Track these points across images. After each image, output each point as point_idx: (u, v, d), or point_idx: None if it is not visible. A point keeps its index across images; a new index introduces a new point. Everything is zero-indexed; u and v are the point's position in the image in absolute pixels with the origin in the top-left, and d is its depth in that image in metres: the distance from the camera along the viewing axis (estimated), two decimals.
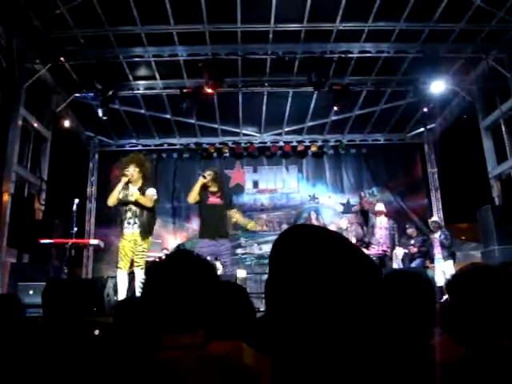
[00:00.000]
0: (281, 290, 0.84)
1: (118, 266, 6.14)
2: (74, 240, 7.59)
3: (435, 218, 11.40)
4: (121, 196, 6.12)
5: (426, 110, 10.26)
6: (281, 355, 0.84)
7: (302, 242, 0.87)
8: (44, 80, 9.27)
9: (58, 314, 2.57)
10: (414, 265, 9.76)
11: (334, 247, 0.85)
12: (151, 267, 1.43)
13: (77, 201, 7.73)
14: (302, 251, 0.85)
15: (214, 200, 6.72)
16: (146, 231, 6.18)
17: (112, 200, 6.12)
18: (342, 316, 0.80)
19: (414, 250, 10.05)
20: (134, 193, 6.12)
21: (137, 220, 6.11)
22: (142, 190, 6.20)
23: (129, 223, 6.10)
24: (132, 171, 6.19)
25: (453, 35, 8.54)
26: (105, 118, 9.75)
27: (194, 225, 12.23)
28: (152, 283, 1.37)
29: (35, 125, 9.42)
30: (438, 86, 9.46)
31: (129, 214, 6.13)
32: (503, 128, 9.56)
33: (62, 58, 8.79)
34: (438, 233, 9.86)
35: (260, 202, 12.65)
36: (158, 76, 9.72)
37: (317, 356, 0.81)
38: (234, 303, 1.94)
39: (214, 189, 6.75)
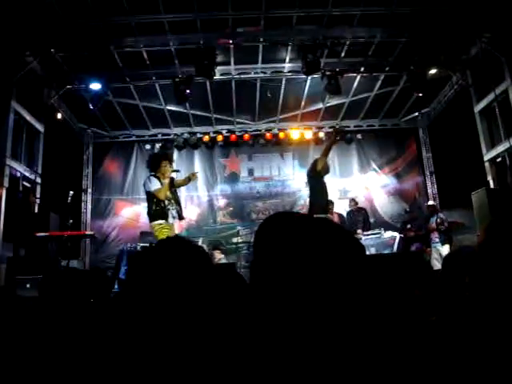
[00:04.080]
0: (264, 272, 0.85)
1: None
2: (69, 232, 7.60)
3: (431, 202, 11.46)
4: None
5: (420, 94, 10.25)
6: (266, 334, 0.85)
7: (282, 226, 0.88)
8: (35, 72, 9.20)
9: (55, 306, 2.56)
10: (412, 249, 9.81)
11: (312, 230, 0.86)
12: (136, 255, 1.41)
13: (71, 193, 7.74)
14: (282, 235, 0.86)
15: None
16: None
17: (164, 195, 6.65)
18: (321, 292, 0.81)
19: (411, 234, 10.11)
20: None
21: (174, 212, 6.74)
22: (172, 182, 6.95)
23: (172, 215, 6.71)
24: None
25: (446, 18, 8.49)
26: (95, 108, 9.78)
27: (190, 214, 12.26)
28: (137, 272, 1.35)
29: (28, 118, 9.37)
30: (431, 70, 9.45)
31: (171, 207, 6.70)
32: (497, 111, 9.56)
33: (52, 50, 8.72)
34: (434, 217, 9.91)
35: (256, 189, 12.66)
36: (150, 66, 9.64)
37: (299, 332, 0.81)
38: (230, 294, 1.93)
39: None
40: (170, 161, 6.91)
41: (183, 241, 1.43)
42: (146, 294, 1.27)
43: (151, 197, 6.62)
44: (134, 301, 1.26)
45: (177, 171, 7.23)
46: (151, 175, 6.69)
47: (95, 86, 9.20)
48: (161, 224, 6.54)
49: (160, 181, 6.57)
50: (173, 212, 6.68)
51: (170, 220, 6.64)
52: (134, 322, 1.22)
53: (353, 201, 10.78)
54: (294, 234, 0.86)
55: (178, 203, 6.87)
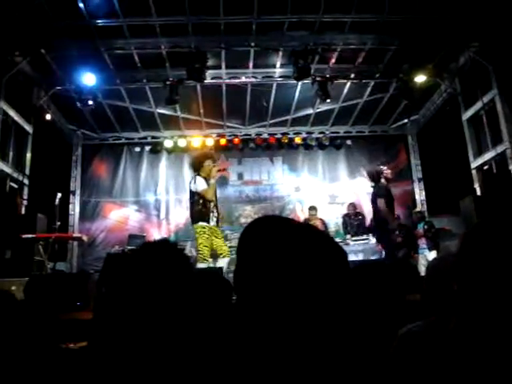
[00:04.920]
0: (248, 278, 0.86)
1: (206, 258, 6.62)
2: (56, 234, 7.54)
3: (418, 208, 11.55)
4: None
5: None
6: (251, 341, 0.85)
7: (265, 232, 0.88)
8: (24, 73, 9.15)
9: (41, 309, 2.55)
10: (399, 255, 9.86)
11: (294, 235, 0.87)
12: (111, 259, 1.41)
13: (59, 195, 7.68)
14: (265, 240, 0.86)
15: None
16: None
17: (212, 195, 6.65)
18: (304, 298, 0.81)
19: (399, 239, 10.16)
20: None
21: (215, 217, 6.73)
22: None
23: (213, 217, 6.68)
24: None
25: (435, 27, 8.57)
26: (84, 108, 9.78)
27: (179, 218, 12.24)
28: (116, 275, 1.33)
29: (16, 118, 9.30)
30: (420, 78, 9.54)
31: (213, 209, 6.70)
32: (484, 119, 9.67)
33: (42, 50, 8.67)
34: (422, 223, 9.99)
35: (245, 193, 12.66)
36: (141, 68, 9.61)
37: (284, 339, 0.82)
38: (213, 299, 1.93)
39: None
40: (214, 160, 6.84)
41: (167, 245, 1.42)
42: (124, 298, 1.27)
43: (197, 197, 6.54)
44: (112, 304, 1.26)
45: (223, 170, 7.17)
46: (196, 175, 6.64)
47: (89, 80, 9.07)
48: (204, 227, 6.51)
49: (206, 181, 6.54)
50: (214, 216, 6.66)
51: (212, 223, 6.62)
52: (112, 325, 1.22)
53: (351, 205, 10.92)
54: (277, 239, 0.86)
55: (217, 209, 6.83)
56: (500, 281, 0.95)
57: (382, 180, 7.73)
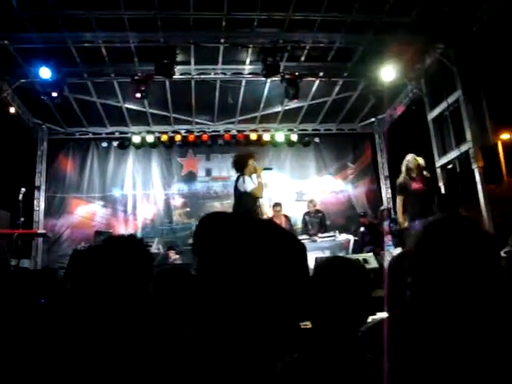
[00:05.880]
0: (205, 273, 0.87)
1: None
2: (20, 230, 7.39)
3: (385, 206, 11.75)
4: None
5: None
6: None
7: (222, 227, 0.90)
8: None
9: (4, 305, 2.51)
10: (364, 252, 10.01)
11: (245, 230, 0.89)
12: (76, 255, 1.41)
13: (23, 190, 7.54)
14: (224, 236, 0.88)
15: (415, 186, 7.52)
16: None
17: (262, 193, 6.68)
18: (262, 291, 0.83)
19: (367, 223, 10.39)
20: None
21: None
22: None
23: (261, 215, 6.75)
24: None
25: (402, 28, 8.71)
26: (49, 100, 9.58)
27: (146, 213, 12.17)
28: (79, 271, 1.34)
29: None
30: (387, 78, 9.68)
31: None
32: (449, 120, 9.88)
33: (5, 42, 8.45)
34: (387, 221, 10.17)
35: (213, 189, 12.65)
36: (108, 62, 9.47)
37: (245, 333, 0.84)
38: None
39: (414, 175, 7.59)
40: (255, 158, 6.90)
41: (130, 242, 1.42)
42: (87, 293, 1.27)
43: (246, 197, 6.47)
44: (76, 299, 1.26)
45: (269, 169, 7.19)
46: (241, 175, 6.61)
47: (45, 73, 8.85)
48: None
49: (252, 180, 6.57)
50: (262, 214, 6.70)
51: None
52: (76, 319, 1.22)
53: (311, 202, 10.89)
54: (235, 234, 0.88)
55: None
56: (451, 273, 0.98)
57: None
